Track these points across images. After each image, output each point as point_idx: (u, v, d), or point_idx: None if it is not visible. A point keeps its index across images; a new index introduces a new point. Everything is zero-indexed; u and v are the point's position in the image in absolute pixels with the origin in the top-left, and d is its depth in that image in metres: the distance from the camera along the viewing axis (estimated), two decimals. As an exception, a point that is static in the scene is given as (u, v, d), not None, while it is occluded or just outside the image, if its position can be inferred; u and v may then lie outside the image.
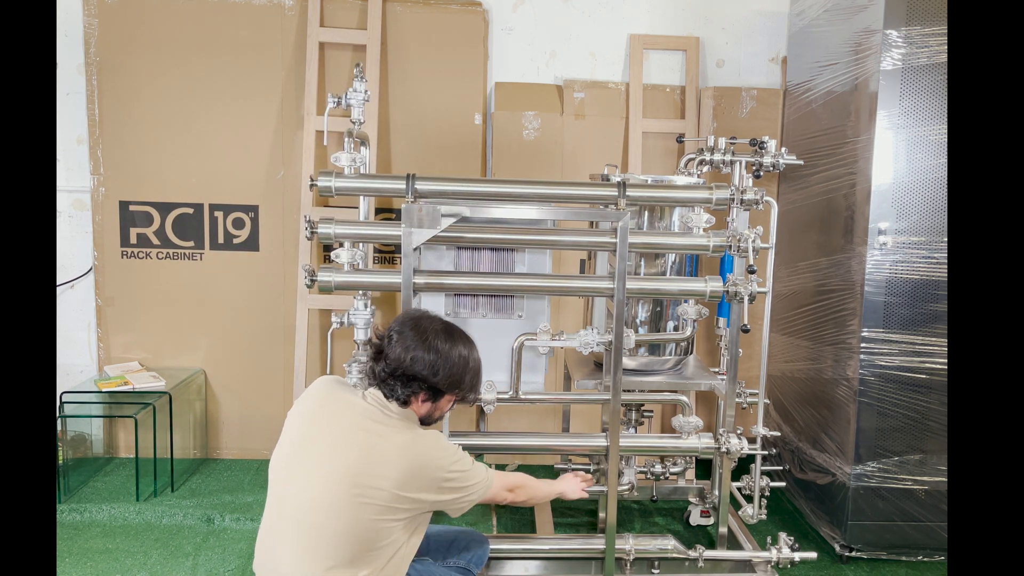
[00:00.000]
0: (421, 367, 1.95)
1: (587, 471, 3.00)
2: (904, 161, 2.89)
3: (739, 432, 2.73)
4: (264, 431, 3.88)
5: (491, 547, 2.67)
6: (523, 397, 2.70)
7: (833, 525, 3.12)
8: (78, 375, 3.94)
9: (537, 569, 2.75)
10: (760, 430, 2.89)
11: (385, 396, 1.98)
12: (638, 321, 2.91)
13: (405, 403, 1.98)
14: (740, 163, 2.88)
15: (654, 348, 2.93)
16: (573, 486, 2.47)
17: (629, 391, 2.86)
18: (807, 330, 3.38)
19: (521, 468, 3.89)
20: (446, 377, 1.98)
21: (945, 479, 2.98)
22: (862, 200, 2.96)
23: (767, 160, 2.85)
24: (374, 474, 1.86)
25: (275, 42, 3.72)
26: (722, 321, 3.03)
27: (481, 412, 2.93)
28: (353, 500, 1.84)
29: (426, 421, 2.06)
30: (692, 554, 2.71)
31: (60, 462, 3.42)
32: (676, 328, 2.91)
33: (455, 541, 2.35)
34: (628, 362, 2.88)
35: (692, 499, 3.30)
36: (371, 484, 1.85)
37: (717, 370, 3.04)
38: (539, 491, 2.36)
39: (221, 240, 3.80)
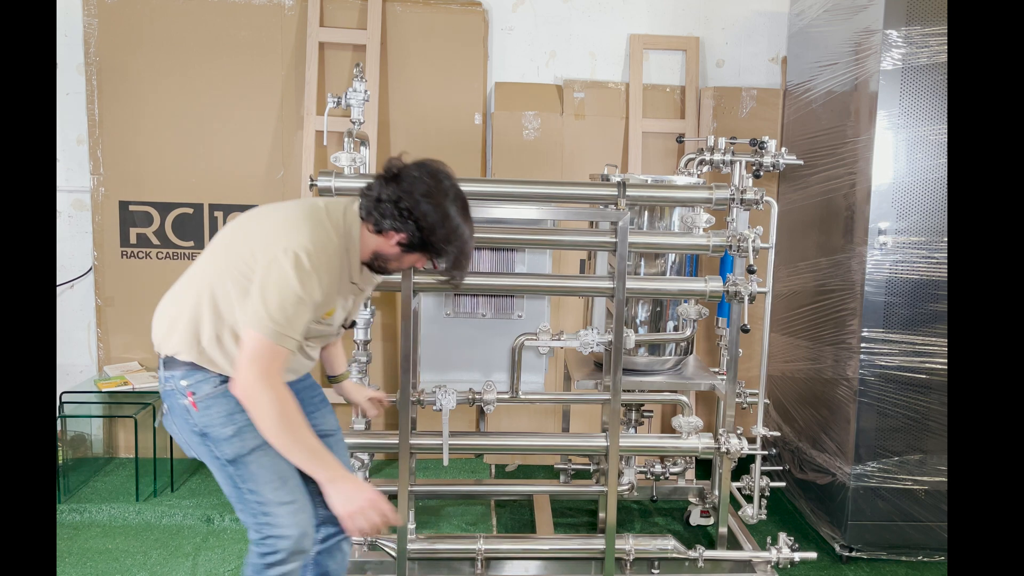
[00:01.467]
0: (424, 215, 1.80)
1: (586, 470, 2.99)
2: (904, 161, 2.89)
3: (739, 432, 2.73)
4: (264, 431, 3.88)
5: (491, 547, 2.67)
6: (523, 397, 2.70)
7: (833, 525, 3.12)
8: (78, 375, 3.94)
9: (537, 569, 2.75)
10: (760, 430, 2.89)
11: (362, 215, 1.87)
12: (638, 321, 2.91)
13: (379, 231, 1.86)
14: (740, 163, 2.88)
15: (654, 348, 2.93)
16: (363, 511, 1.84)
17: (629, 391, 2.86)
18: (807, 330, 3.38)
19: (521, 468, 3.89)
20: (441, 240, 1.83)
21: (945, 479, 2.98)
22: (862, 200, 2.96)
23: (767, 160, 2.86)
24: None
25: (275, 42, 3.72)
26: (722, 321, 3.03)
27: (481, 412, 2.94)
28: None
29: (377, 261, 1.92)
30: (692, 554, 2.71)
31: (60, 462, 3.42)
32: (676, 328, 2.91)
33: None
34: (628, 362, 2.88)
35: (692, 499, 3.30)
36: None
37: (717, 370, 3.04)
38: (304, 445, 1.82)
39: (221, 240, 3.80)
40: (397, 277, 2.50)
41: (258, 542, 1.91)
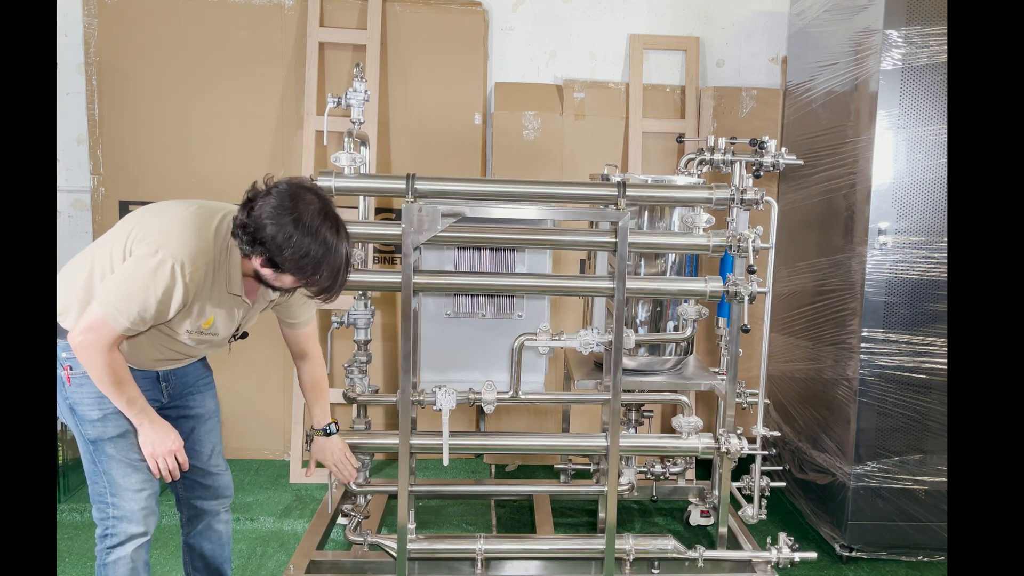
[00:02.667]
0: (271, 236, 1.80)
1: (586, 470, 2.99)
2: (904, 161, 2.89)
3: (739, 432, 2.73)
4: (264, 431, 3.88)
5: (491, 547, 2.67)
6: (523, 397, 2.70)
7: (833, 525, 3.12)
8: (78, 375, 3.94)
9: (537, 569, 2.74)
10: (760, 430, 2.89)
11: (233, 234, 1.89)
12: (638, 321, 2.91)
13: (246, 256, 1.90)
14: (740, 163, 2.88)
15: (654, 348, 2.93)
16: (162, 455, 2.01)
17: (629, 391, 2.86)
18: (807, 330, 3.38)
19: (521, 468, 3.89)
20: (292, 261, 1.82)
21: (945, 479, 2.98)
22: (862, 200, 2.96)
23: (767, 160, 2.85)
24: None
25: (275, 42, 3.72)
26: (722, 321, 3.03)
27: (481, 412, 2.94)
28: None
29: (260, 280, 1.95)
30: (692, 554, 2.70)
31: (60, 462, 3.42)
32: (676, 328, 2.91)
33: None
34: (628, 362, 2.88)
35: (692, 499, 3.30)
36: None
37: (717, 370, 3.04)
38: (123, 395, 1.95)
39: (221, 240, 3.80)
40: (397, 277, 2.51)
41: (100, 521, 2.05)
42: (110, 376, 1.90)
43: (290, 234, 1.80)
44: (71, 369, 1.97)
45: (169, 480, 2.09)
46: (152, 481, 2.07)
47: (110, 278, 1.88)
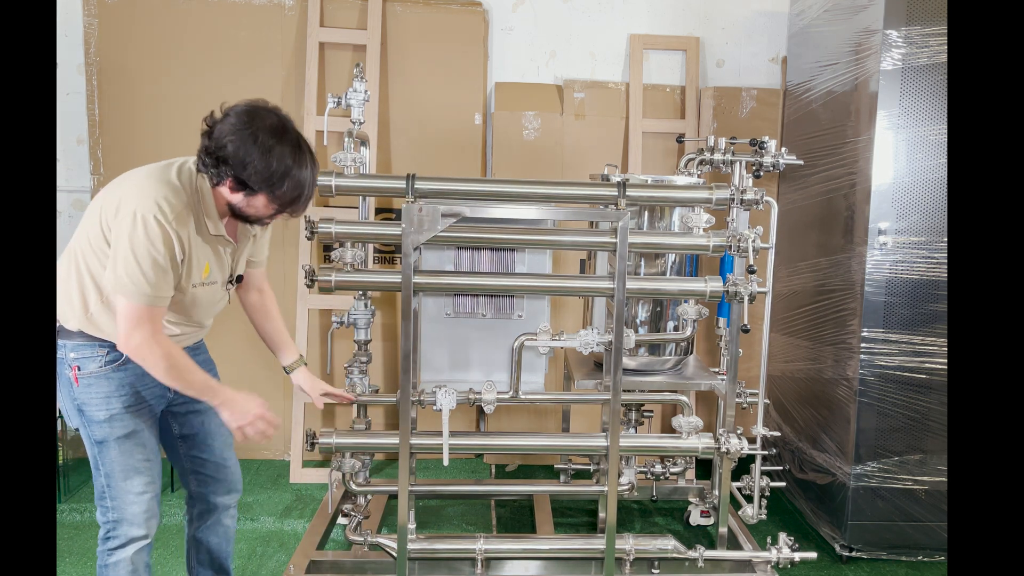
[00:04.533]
0: (230, 155, 1.83)
1: (586, 470, 2.99)
2: (904, 161, 2.89)
3: (739, 432, 2.73)
4: (264, 431, 3.88)
5: (491, 547, 2.67)
6: (523, 397, 2.70)
7: (833, 525, 3.12)
8: (78, 375, 3.94)
9: (537, 569, 2.75)
10: (760, 430, 2.89)
11: (198, 169, 1.92)
12: (638, 321, 2.91)
13: (216, 184, 1.91)
14: (740, 163, 2.88)
15: (654, 348, 2.93)
16: (252, 422, 2.04)
17: (629, 391, 2.86)
18: (807, 330, 3.38)
19: (521, 468, 3.90)
20: (256, 174, 1.84)
21: (945, 479, 2.98)
22: (862, 200, 2.96)
23: (767, 160, 2.85)
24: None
25: (275, 42, 3.73)
26: (722, 321, 3.03)
27: (481, 412, 2.94)
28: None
29: (235, 212, 1.97)
30: (692, 554, 2.71)
31: (60, 462, 3.42)
32: (676, 328, 2.91)
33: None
34: (628, 362, 2.88)
35: (692, 499, 3.30)
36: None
37: (717, 370, 3.04)
38: (195, 382, 1.99)
39: (221, 240, 3.80)
40: (397, 277, 2.51)
41: (103, 523, 2.05)
42: (171, 366, 1.91)
43: (250, 148, 1.83)
44: (79, 370, 1.97)
45: (261, 441, 2.12)
46: (155, 484, 2.08)
47: (111, 268, 1.87)
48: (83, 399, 1.99)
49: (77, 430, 2.06)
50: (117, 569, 2.04)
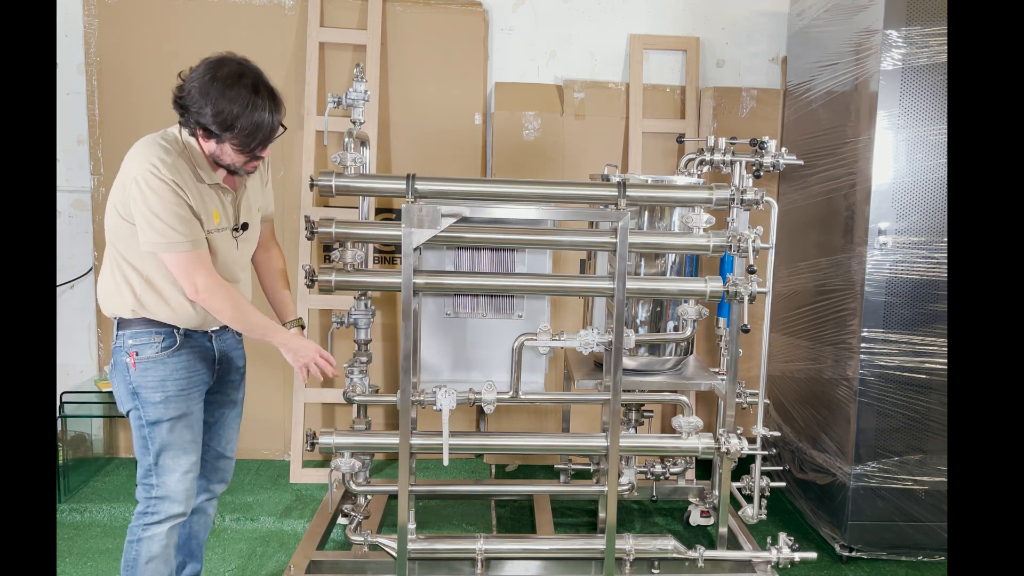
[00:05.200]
0: (193, 101, 1.98)
1: (586, 470, 2.99)
2: (904, 161, 2.89)
3: (739, 432, 2.73)
4: (264, 431, 3.88)
5: (491, 547, 2.67)
6: (523, 397, 2.70)
7: (833, 525, 3.12)
8: (78, 375, 3.94)
9: (537, 569, 2.75)
10: (760, 430, 2.89)
11: (180, 123, 2.07)
12: (638, 321, 2.91)
13: (192, 134, 2.07)
14: (740, 163, 2.88)
15: (654, 348, 2.93)
16: (311, 360, 2.32)
17: (629, 391, 2.86)
18: (807, 330, 3.38)
19: (521, 468, 3.90)
20: (213, 118, 1.98)
21: (945, 479, 2.98)
22: (862, 200, 2.96)
23: (767, 160, 2.85)
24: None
25: (275, 42, 3.72)
26: (722, 321, 3.03)
27: (481, 412, 2.94)
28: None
29: (218, 161, 2.10)
30: (692, 554, 2.71)
31: (60, 462, 3.42)
32: (676, 328, 2.91)
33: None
34: (628, 362, 2.88)
35: (692, 499, 3.30)
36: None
37: (717, 370, 3.04)
38: (258, 323, 2.20)
39: (221, 240, 3.80)
40: (397, 278, 2.50)
41: (143, 499, 2.18)
42: (235, 306, 2.09)
43: (208, 92, 1.97)
44: (137, 355, 2.11)
45: (320, 379, 2.32)
46: (197, 465, 2.22)
47: (141, 236, 2.01)
48: (139, 383, 2.12)
49: (127, 414, 2.18)
50: (152, 543, 2.16)
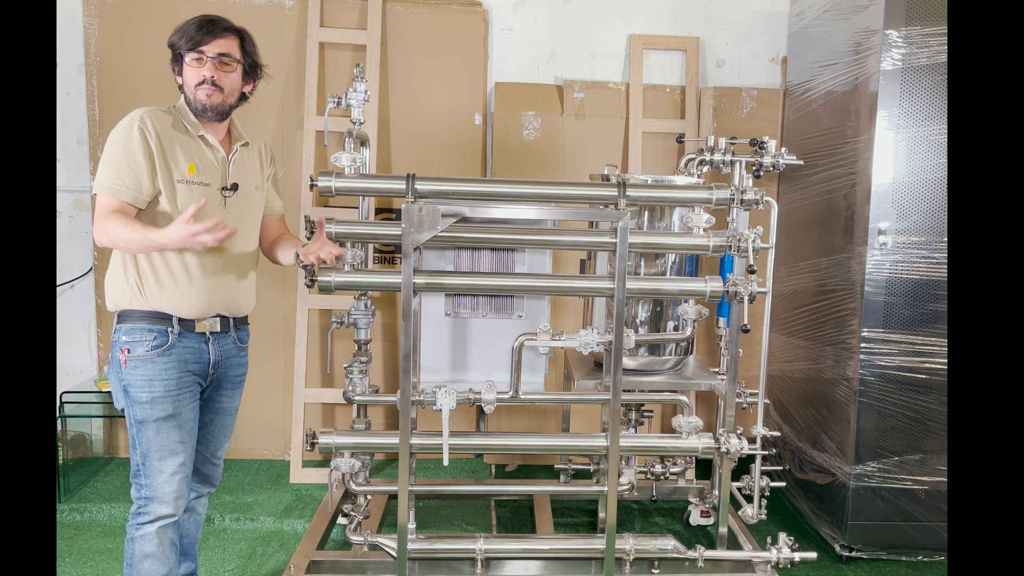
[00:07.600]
0: (171, 39, 2.20)
1: (586, 470, 2.99)
2: (904, 161, 2.89)
3: (739, 432, 2.73)
4: (264, 431, 3.88)
5: (491, 547, 2.67)
6: (523, 397, 2.70)
7: (833, 525, 3.12)
8: (78, 375, 3.94)
9: (537, 569, 2.75)
10: (760, 430, 2.89)
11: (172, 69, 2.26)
12: (638, 321, 2.91)
13: (180, 87, 2.21)
14: (740, 163, 2.88)
15: (654, 348, 2.93)
16: (192, 236, 2.01)
17: (629, 391, 2.86)
18: (807, 330, 3.38)
19: (521, 468, 3.90)
20: (173, 34, 2.18)
21: (945, 479, 2.98)
22: (862, 200, 2.96)
23: (767, 160, 2.86)
24: None
25: (275, 42, 3.72)
26: (722, 321, 3.03)
27: (481, 412, 2.94)
28: None
29: (197, 93, 2.18)
30: (692, 554, 2.71)
31: (60, 462, 3.42)
32: (676, 328, 2.91)
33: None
34: (628, 362, 2.88)
35: (692, 499, 3.30)
36: None
37: (717, 370, 3.04)
38: (149, 236, 2.03)
39: (221, 240, 3.80)
40: (397, 278, 2.50)
41: (135, 499, 2.21)
42: (128, 230, 2.01)
43: (178, 28, 2.19)
44: (128, 352, 2.13)
45: (222, 236, 2.07)
46: (186, 466, 2.21)
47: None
48: (129, 380, 2.14)
49: (123, 411, 2.19)
50: (143, 542, 2.18)
